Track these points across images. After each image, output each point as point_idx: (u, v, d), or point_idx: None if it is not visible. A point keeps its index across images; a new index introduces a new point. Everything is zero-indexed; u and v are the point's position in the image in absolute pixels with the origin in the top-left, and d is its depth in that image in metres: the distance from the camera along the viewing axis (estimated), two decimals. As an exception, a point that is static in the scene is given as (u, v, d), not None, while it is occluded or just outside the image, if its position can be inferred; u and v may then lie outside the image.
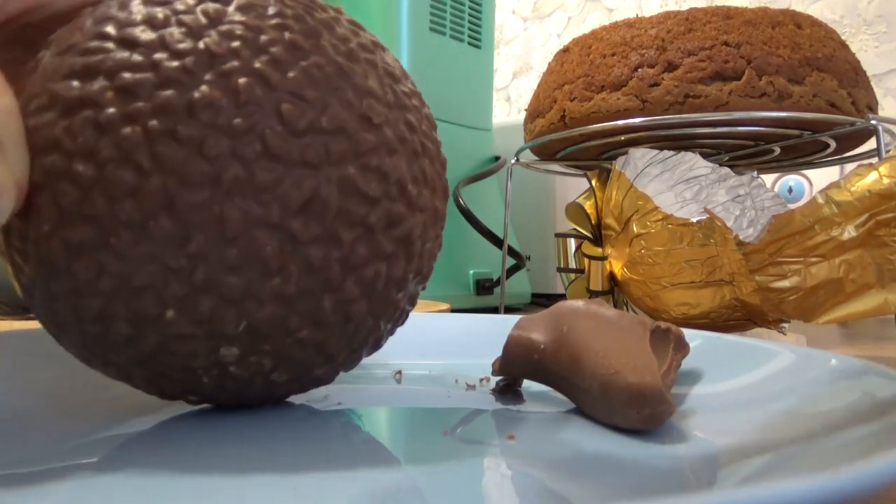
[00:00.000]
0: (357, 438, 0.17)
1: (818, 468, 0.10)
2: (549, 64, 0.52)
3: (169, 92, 0.14)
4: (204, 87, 0.14)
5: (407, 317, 0.19)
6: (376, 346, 0.18)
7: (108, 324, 0.15)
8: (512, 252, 0.65)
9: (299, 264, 0.15)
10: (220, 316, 0.15)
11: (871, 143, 0.45)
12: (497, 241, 0.62)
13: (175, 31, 0.14)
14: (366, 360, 0.27)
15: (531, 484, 0.13)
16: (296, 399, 0.20)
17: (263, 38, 0.15)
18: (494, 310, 0.64)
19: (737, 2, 0.90)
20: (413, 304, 0.19)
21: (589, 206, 0.43)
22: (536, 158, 0.57)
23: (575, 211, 0.44)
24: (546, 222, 0.79)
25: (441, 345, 0.28)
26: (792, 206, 0.33)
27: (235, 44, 0.14)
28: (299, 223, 0.14)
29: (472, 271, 0.65)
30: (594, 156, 0.54)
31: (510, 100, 1.14)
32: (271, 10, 0.15)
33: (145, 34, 0.14)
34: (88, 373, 0.21)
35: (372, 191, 0.15)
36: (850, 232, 0.31)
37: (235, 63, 0.14)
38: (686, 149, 0.45)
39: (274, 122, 0.14)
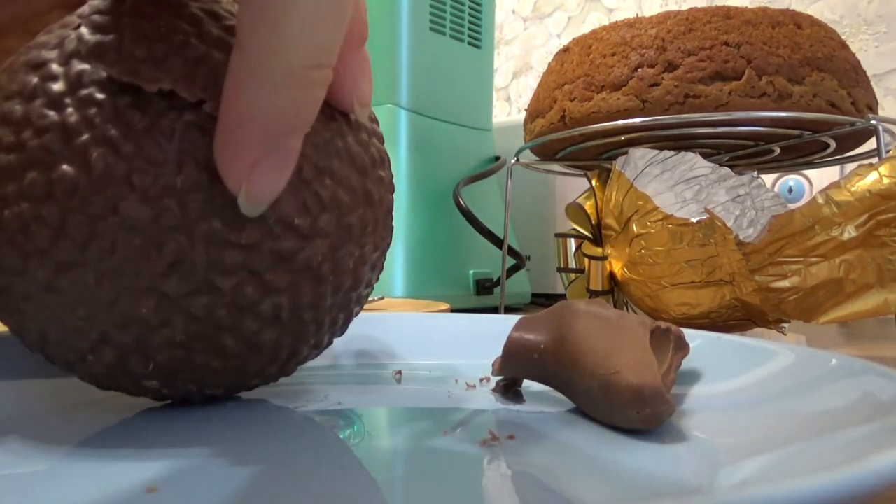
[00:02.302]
0: (356, 438, 0.17)
1: (818, 468, 0.10)
2: (549, 64, 0.52)
3: (33, 174, 0.14)
4: (63, 166, 0.14)
5: (352, 317, 0.19)
6: (318, 347, 0.19)
7: (51, 358, 0.17)
8: (512, 252, 0.65)
9: (182, 316, 0.15)
10: (126, 360, 0.16)
11: (871, 143, 0.45)
12: (497, 241, 0.62)
13: (38, 105, 0.15)
14: (366, 360, 0.27)
15: (531, 484, 0.13)
16: (296, 398, 0.20)
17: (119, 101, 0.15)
18: (494, 310, 0.64)
19: (737, 2, 0.90)
20: (361, 303, 0.19)
21: (589, 206, 0.43)
22: (536, 158, 0.57)
23: (575, 211, 0.44)
24: (546, 222, 0.79)
25: (441, 345, 0.28)
26: (792, 206, 0.33)
27: (91, 111, 0.14)
28: (170, 284, 0.15)
29: (472, 271, 0.65)
30: (594, 156, 0.54)
31: (510, 100, 1.14)
32: None
33: (17, 107, 0.15)
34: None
35: (245, 238, 0.15)
36: (850, 232, 0.31)
37: (87, 136, 0.14)
38: (686, 149, 0.45)
39: (127, 192, 0.14)
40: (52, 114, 0.14)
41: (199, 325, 0.15)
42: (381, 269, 0.20)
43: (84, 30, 0.15)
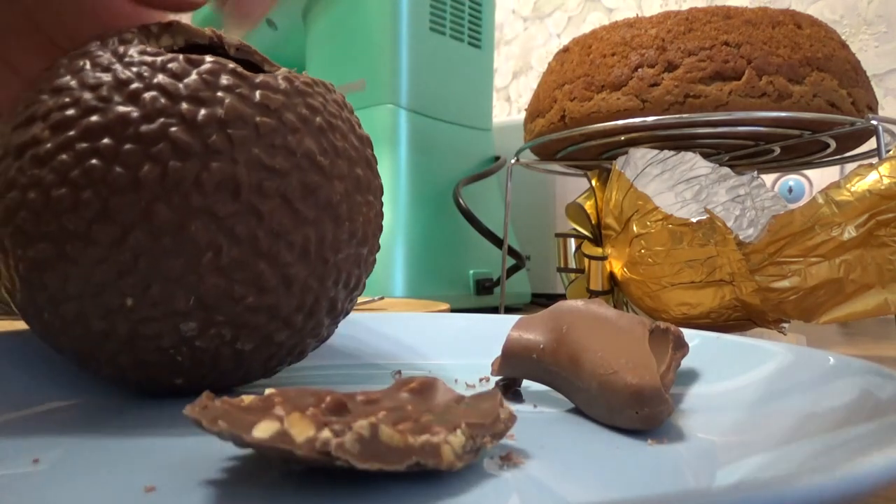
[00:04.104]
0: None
1: (817, 468, 0.10)
2: (549, 64, 0.52)
3: (92, 118, 0.17)
4: (117, 107, 0.17)
5: (360, 284, 0.21)
6: (333, 310, 0.20)
7: (85, 322, 0.17)
8: (512, 252, 0.65)
9: (226, 238, 0.17)
10: (169, 295, 0.17)
11: (871, 143, 0.45)
12: (497, 241, 0.62)
13: (89, 72, 0.17)
14: (366, 360, 0.27)
15: (531, 484, 0.13)
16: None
17: (161, 58, 0.18)
18: (494, 310, 0.64)
19: (737, 2, 0.90)
20: (366, 270, 0.21)
21: (589, 206, 0.43)
22: (536, 158, 0.57)
23: (575, 211, 0.44)
24: (546, 222, 0.79)
25: (441, 345, 0.28)
26: (792, 206, 0.33)
27: (143, 70, 0.17)
28: (217, 202, 0.17)
29: (472, 271, 0.65)
30: (594, 156, 0.54)
31: (510, 100, 1.14)
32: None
33: (71, 81, 0.17)
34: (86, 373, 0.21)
35: (279, 165, 0.17)
36: (850, 232, 0.31)
37: (139, 84, 0.17)
38: (686, 149, 0.45)
39: (177, 123, 0.17)
40: (101, 73, 0.17)
41: (240, 248, 0.17)
42: (378, 246, 0.21)
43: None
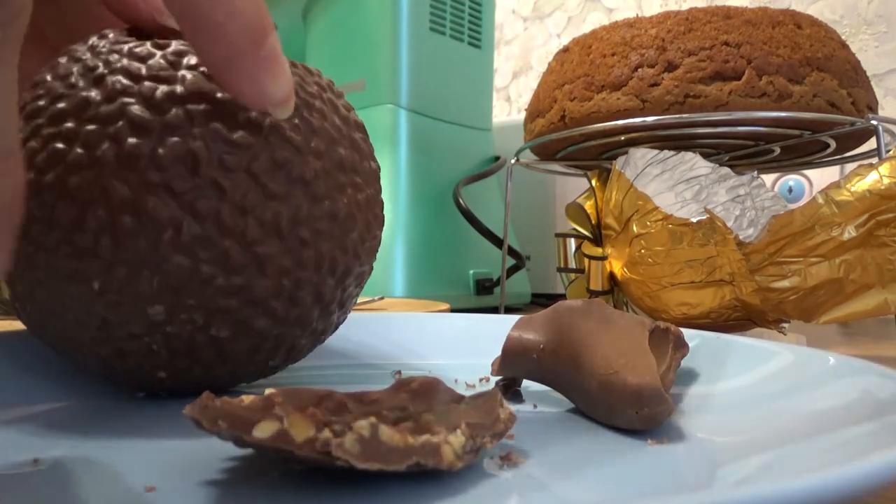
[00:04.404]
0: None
1: (817, 467, 0.10)
2: (549, 64, 0.52)
3: (58, 105, 0.17)
4: (81, 92, 0.17)
5: (351, 273, 0.20)
6: (320, 300, 0.19)
7: (60, 310, 0.17)
8: (512, 252, 0.65)
9: (187, 214, 0.16)
10: (133, 277, 0.17)
11: (871, 143, 0.45)
12: (497, 241, 0.62)
13: (63, 65, 0.18)
14: (365, 360, 0.27)
15: (531, 484, 0.13)
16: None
17: (129, 45, 0.18)
18: (494, 310, 0.64)
19: (737, 2, 0.90)
20: (358, 259, 0.20)
21: (589, 206, 0.43)
22: (536, 158, 0.57)
23: (575, 211, 0.44)
24: (546, 222, 0.79)
25: (441, 345, 0.28)
26: (792, 206, 0.33)
27: (111, 57, 0.17)
28: (174, 177, 0.16)
29: (472, 271, 0.65)
30: (594, 156, 0.54)
31: (510, 100, 1.14)
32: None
33: (46, 75, 0.18)
34: (85, 373, 0.21)
35: (242, 139, 0.17)
36: (850, 232, 0.31)
37: (104, 70, 0.17)
38: (686, 149, 0.45)
39: (136, 101, 0.17)
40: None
41: (202, 225, 0.17)
42: (379, 240, 0.21)
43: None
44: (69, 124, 0.17)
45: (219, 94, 0.17)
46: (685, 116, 0.42)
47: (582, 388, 0.18)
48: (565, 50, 0.50)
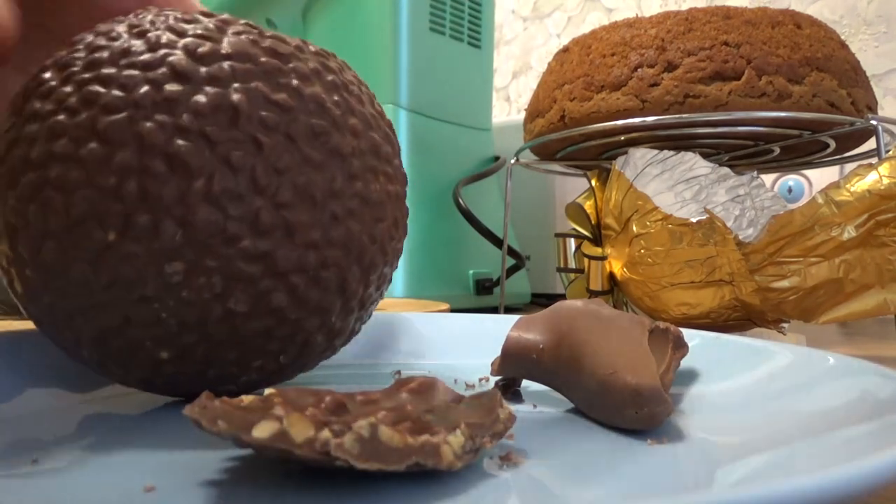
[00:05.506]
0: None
1: (817, 467, 0.10)
2: (549, 64, 0.52)
3: (96, 54, 0.17)
4: (124, 43, 0.17)
5: (376, 267, 0.19)
6: (343, 290, 0.18)
7: (65, 268, 0.16)
8: (512, 252, 0.65)
9: (221, 165, 0.16)
10: (155, 226, 0.16)
11: (870, 143, 0.45)
12: (497, 241, 0.62)
13: (104, 25, 0.18)
14: (365, 360, 0.27)
15: (531, 484, 0.13)
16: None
17: (174, 13, 0.18)
18: (494, 310, 0.64)
19: (737, 2, 0.90)
20: (384, 257, 0.19)
21: (589, 206, 0.43)
22: (536, 158, 0.57)
23: (575, 211, 0.44)
24: (546, 222, 0.79)
25: (441, 345, 0.28)
26: (792, 206, 0.33)
27: (157, 19, 0.18)
28: (212, 126, 0.16)
29: (471, 271, 0.65)
30: (594, 156, 0.54)
31: (510, 100, 1.14)
32: None
33: (86, 35, 0.18)
34: (85, 373, 0.21)
35: (283, 101, 0.17)
36: (849, 232, 0.31)
37: (149, 27, 0.17)
38: (686, 149, 0.45)
39: (180, 53, 0.16)
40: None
41: (236, 179, 0.16)
42: (402, 247, 0.20)
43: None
44: (108, 70, 0.16)
45: (263, 59, 0.17)
46: (685, 116, 0.42)
47: (582, 388, 0.18)
48: (565, 50, 0.50)
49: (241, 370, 0.18)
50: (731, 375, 0.21)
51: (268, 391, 0.14)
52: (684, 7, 0.97)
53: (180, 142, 0.16)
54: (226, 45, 0.17)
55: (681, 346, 0.20)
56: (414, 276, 0.60)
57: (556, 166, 0.59)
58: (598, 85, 0.45)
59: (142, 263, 0.16)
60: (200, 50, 0.17)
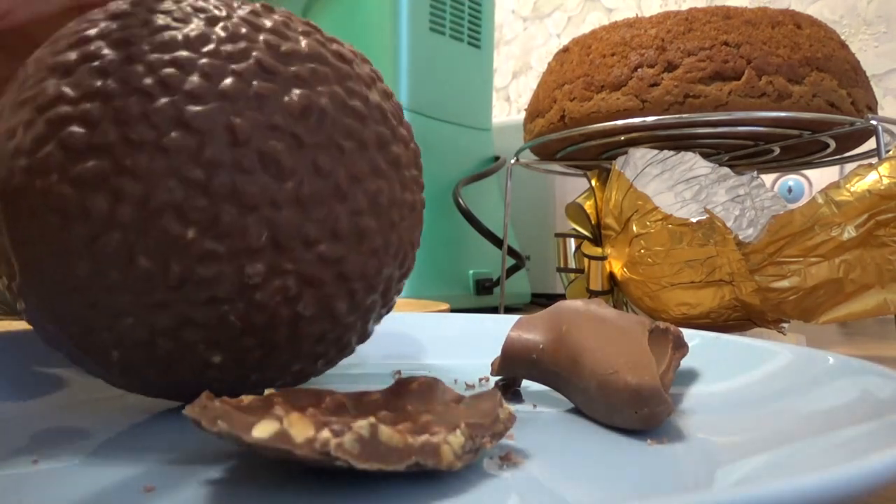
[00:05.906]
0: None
1: (817, 467, 0.10)
2: (549, 64, 0.52)
3: (166, 34, 0.16)
4: (198, 25, 0.16)
5: (407, 273, 0.19)
6: (386, 294, 0.18)
7: (129, 259, 0.15)
8: (512, 252, 0.65)
9: (309, 167, 0.16)
10: (241, 226, 0.15)
11: (870, 143, 0.45)
12: (497, 241, 0.62)
13: (150, 2, 0.17)
14: (366, 360, 0.27)
15: (530, 484, 0.13)
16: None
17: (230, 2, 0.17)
18: (494, 310, 0.64)
19: (737, 2, 0.90)
20: (412, 246, 0.19)
21: (589, 206, 0.43)
22: (536, 158, 0.57)
23: (575, 211, 0.44)
24: (546, 222, 0.79)
25: (441, 345, 0.28)
26: (792, 206, 0.33)
27: (219, 4, 0.17)
28: (302, 127, 0.16)
29: (471, 271, 0.65)
30: (594, 156, 0.54)
31: (510, 100, 1.14)
32: None
33: (124, 5, 0.17)
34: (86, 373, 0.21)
35: (358, 107, 0.17)
36: (849, 232, 0.31)
37: (218, 12, 0.16)
38: (686, 149, 0.45)
39: (262, 48, 0.16)
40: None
41: (322, 182, 0.16)
42: (412, 230, 0.19)
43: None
44: (184, 53, 0.15)
45: (332, 60, 0.17)
46: (685, 116, 0.42)
47: (581, 388, 0.18)
48: (565, 50, 0.50)
49: (280, 374, 0.18)
50: (731, 375, 0.21)
51: (268, 391, 0.14)
52: (684, 7, 0.97)
53: (273, 140, 0.15)
54: (303, 46, 0.17)
55: (681, 346, 0.20)
56: (414, 276, 0.60)
57: (556, 166, 0.59)
58: (598, 85, 0.45)
59: (221, 263, 0.15)
60: (284, 48, 0.16)
